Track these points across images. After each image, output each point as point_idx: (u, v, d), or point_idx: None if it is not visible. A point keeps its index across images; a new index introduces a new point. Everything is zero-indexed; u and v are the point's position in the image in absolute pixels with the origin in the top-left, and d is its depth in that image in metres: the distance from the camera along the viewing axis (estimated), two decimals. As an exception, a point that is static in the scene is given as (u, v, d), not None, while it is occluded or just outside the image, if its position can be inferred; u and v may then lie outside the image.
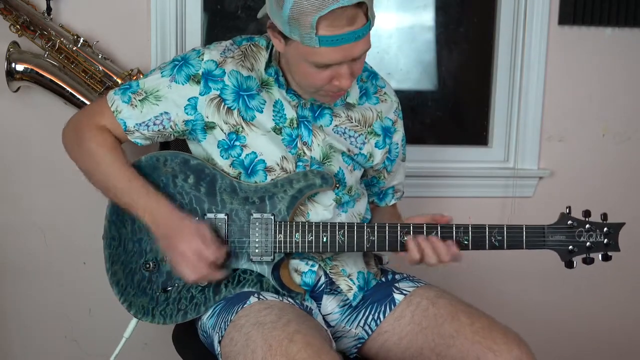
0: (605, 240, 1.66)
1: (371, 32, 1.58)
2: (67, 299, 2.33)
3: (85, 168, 1.72)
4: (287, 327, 1.50)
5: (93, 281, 2.30)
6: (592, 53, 2.51)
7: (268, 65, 1.71)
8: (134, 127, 1.70)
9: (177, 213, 1.65)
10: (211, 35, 2.38)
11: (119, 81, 2.10)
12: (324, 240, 1.67)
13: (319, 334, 1.54)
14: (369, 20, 1.54)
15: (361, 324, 1.75)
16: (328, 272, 1.75)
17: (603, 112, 2.56)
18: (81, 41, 2.10)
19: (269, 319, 1.53)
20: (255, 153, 1.70)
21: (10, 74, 2.05)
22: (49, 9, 2.09)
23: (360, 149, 1.78)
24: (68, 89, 2.08)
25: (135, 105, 1.70)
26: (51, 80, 2.07)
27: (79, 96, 2.09)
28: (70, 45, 2.08)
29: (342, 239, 1.67)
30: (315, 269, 1.73)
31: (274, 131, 1.70)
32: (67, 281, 2.32)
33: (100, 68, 2.10)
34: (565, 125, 2.54)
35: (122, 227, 1.73)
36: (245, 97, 1.70)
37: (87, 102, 2.08)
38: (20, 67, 2.05)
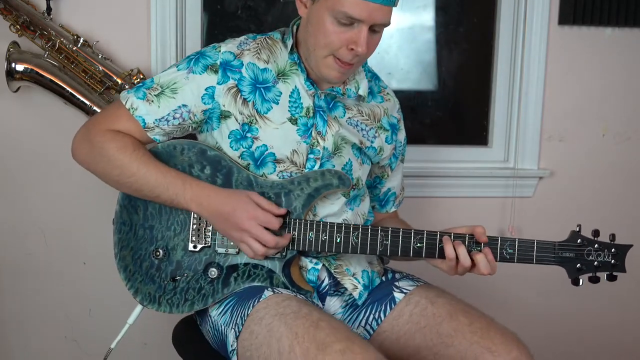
0: (613, 261, 1.68)
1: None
2: (67, 299, 2.33)
3: (109, 178, 1.69)
4: (310, 315, 1.51)
5: (93, 281, 2.31)
6: (592, 53, 2.51)
7: (291, 51, 1.72)
8: (154, 123, 1.69)
9: (222, 191, 1.66)
10: (211, 35, 2.38)
11: (119, 81, 2.11)
12: (338, 240, 1.67)
13: (342, 322, 1.56)
14: None
15: (362, 323, 1.75)
16: (333, 271, 1.75)
17: (603, 112, 2.56)
18: (81, 41, 2.10)
19: (290, 310, 1.54)
20: (266, 146, 1.70)
21: (10, 74, 2.05)
22: (49, 9, 2.09)
23: (372, 142, 1.80)
24: (68, 89, 2.08)
25: (152, 101, 1.69)
26: (51, 80, 2.07)
27: (79, 96, 2.09)
28: (70, 45, 2.09)
29: (356, 240, 1.67)
30: (318, 267, 1.73)
31: (290, 121, 1.71)
32: (67, 281, 2.33)
33: (100, 68, 2.10)
34: (565, 125, 2.54)
35: (133, 213, 1.72)
36: (261, 89, 1.71)
37: (87, 102, 2.08)
38: (20, 67, 2.05)
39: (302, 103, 1.72)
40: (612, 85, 2.54)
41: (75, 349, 2.37)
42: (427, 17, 2.56)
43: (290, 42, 1.72)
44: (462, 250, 1.63)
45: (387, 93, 1.88)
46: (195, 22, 2.31)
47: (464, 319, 1.65)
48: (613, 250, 1.68)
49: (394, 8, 1.63)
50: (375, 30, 1.63)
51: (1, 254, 2.28)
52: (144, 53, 2.23)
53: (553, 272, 2.51)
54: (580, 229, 1.68)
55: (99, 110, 2.07)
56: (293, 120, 1.71)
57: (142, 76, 2.13)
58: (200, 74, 1.69)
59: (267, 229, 1.62)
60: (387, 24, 1.63)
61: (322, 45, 1.63)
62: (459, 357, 1.60)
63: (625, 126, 2.58)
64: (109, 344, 1.91)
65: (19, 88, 2.10)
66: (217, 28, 2.41)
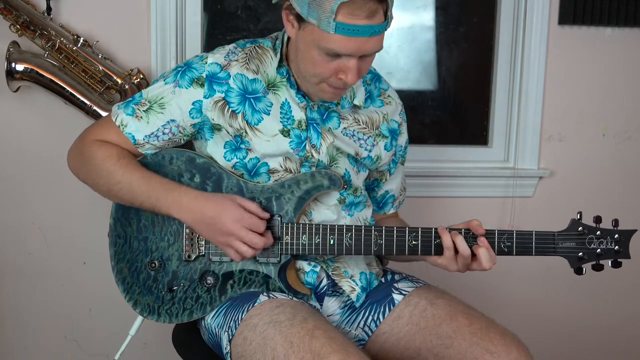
0: (616, 247, 1.64)
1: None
2: (67, 299, 2.33)
3: (98, 187, 1.70)
4: (305, 323, 1.50)
5: (93, 281, 2.31)
6: (592, 53, 2.51)
7: (280, 65, 1.69)
8: (144, 139, 1.69)
9: (205, 194, 1.64)
10: (211, 35, 2.38)
11: (119, 81, 2.11)
12: (331, 242, 1.66)
13: (337, 330, 1.55)
14: (386, 19, 1.54)
15: (361, 325, 1.75)
16: (330, 273, 1.74)
17: (603, 112, 2.56)
18: (81, 41, 2.10)
19: (284, 317, 1.53)
20: (258, 158, 1.69)
21: (10, 74, 2.05)
22: (49, 9, 2.09)
23: (370, 150, 1.78)
24: (68, 88, 2.08)
25: (140, 117, 1.68)
26: (51, 80, 2.07)
27: (79, 96, 2.09)
28: (70, 45, 2.09)
29: (350, 241, 1.66)
30: (317, 269, 1.72)
31: (282, 133, 1.69)
32: (67, 281, 2.33)
33: (100, 68, 2.10)
34: (565, 125, 2.54)
35: (127, 225, 1.72)
36: (251, 100, 1.69)
37: (87, 102, 2.08)
38: (20, 67, 2.05)
39: (293, 116, 1.69)
40: (612, 85, 2.54)
41: (76, 349, 2.37)
42: (427, 17, 2.56)
43: (279, 55, 1.68)
44: (460, 239, 1.61)
45: (388, 95, 1.84)
46: (195, 22, 2.31)
47: (463, 319, 1.64)
48: (616, 236, 1.64)
49: (389, 19, 1.56)
50: (367, 56, 1.58)
51: (1, 254, 2.28)
52: (144, 53, 2.22)
53: (553, 272, 2.52)
54: (580, 216, 1.65)
55: (99, 110, 2.08)
56: (285, 132, 1.69)
57: (142, 76, 2.13)
58: (186, 88, 1.67)
59: (252, 231, 1.61)
60: (379, 50, 1.58)
61: (311, 74, 1.61)
62: (459, 358, 1.60)
63: (625, 126, 2.58)
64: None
65: (19, 88, 2.10)
66: (217, 28, 2.41)
